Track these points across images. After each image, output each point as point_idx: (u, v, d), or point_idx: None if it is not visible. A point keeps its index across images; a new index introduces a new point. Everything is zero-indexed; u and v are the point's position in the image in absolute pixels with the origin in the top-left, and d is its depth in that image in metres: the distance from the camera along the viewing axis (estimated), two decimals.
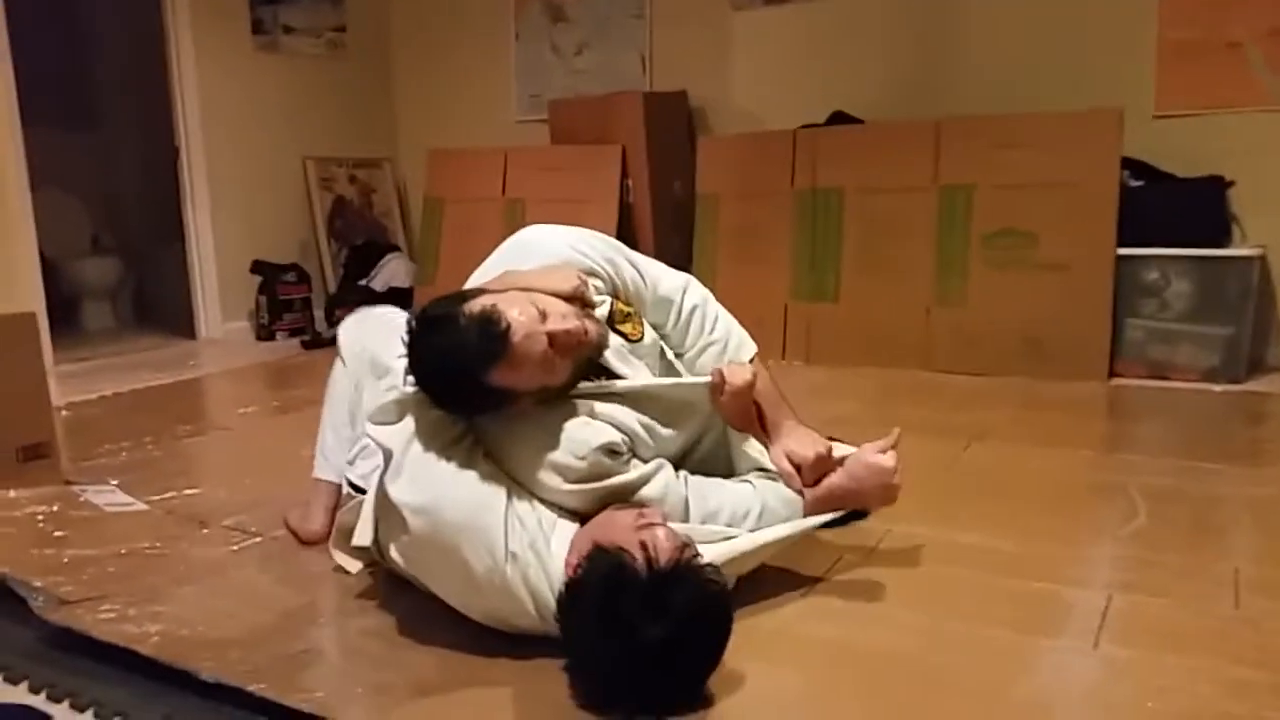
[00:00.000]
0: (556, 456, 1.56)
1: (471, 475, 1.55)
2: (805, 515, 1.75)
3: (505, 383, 1.53)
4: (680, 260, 4.61)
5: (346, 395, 2.06)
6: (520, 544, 1.50)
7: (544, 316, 1.54)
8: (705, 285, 1.91)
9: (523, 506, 1.55)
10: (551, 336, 1.53)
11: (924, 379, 3.82)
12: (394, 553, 1.62)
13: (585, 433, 1.58)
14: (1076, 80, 4.03)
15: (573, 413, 1.61)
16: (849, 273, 4.20)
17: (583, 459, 1.56)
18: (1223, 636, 1.61)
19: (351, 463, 1.95)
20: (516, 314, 1.52)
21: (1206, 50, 3.85)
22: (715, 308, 1.89)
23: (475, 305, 1.53)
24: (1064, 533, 2.13)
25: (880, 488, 1.78)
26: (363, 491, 1.81)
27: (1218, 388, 3.51)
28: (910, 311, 4.03)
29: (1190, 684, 1.46)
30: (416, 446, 1.56)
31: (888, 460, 1.78)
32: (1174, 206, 3.74)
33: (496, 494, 1.54)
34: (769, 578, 1.75)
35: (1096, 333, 3.68)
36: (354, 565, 1.89)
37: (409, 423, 1.59)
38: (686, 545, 1.42)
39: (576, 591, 1.39)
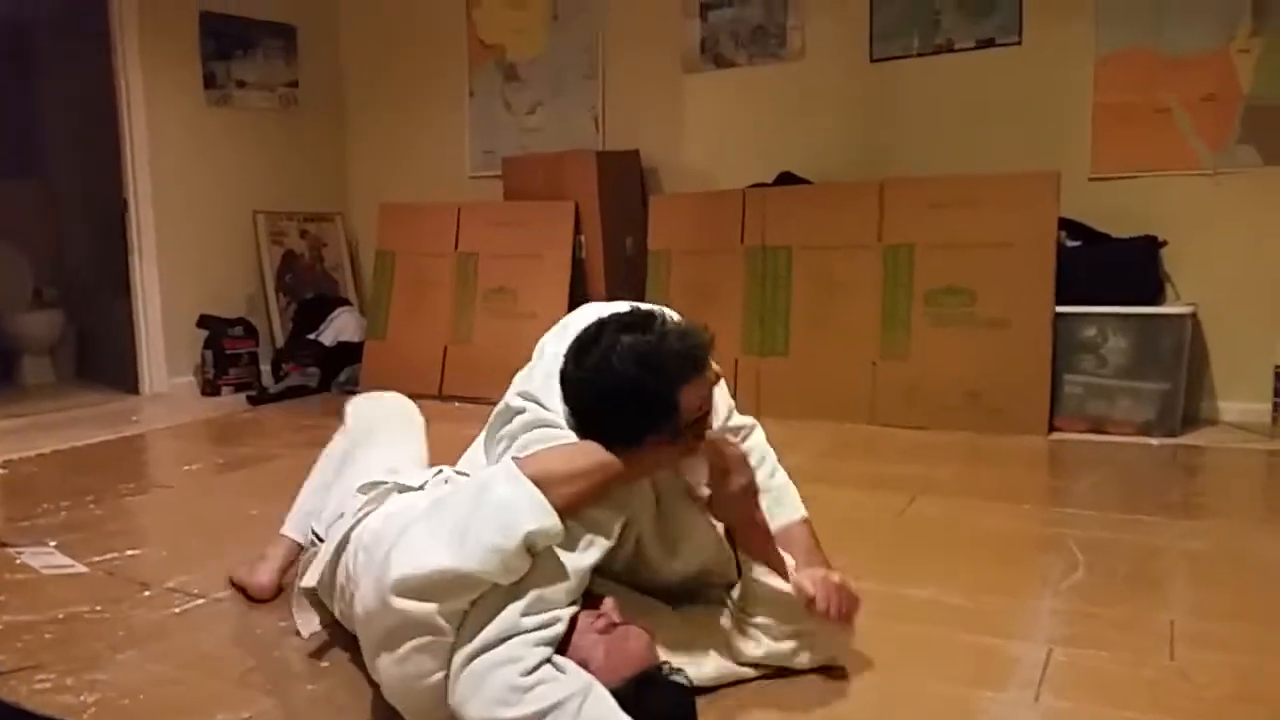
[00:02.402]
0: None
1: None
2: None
3: (685, 401, 1.48)
4: None
5: (337, 462, 2.05)
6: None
7: None
8: None
9: None
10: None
11: (870, 432, 3.89)
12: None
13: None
14: (1016, 143, 4.17)
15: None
16: (798, 328, 4.27)
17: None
18: (1157, 687, 1.65)
19: (315, 531, 1.94)
20: None
21: (1139, 115, 4.02)
22: (774, 457, 1.89)
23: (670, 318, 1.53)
24: (1007, 586, 2.17)
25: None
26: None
27: (1154, 441, 3.61)
28: (857, 366, 4.10)
29: None
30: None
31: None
32: (1109, 266, 3.87)
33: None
34: None
35: (1036, 388, 3.77)
36: (309, 626, 1.85)
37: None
38: (647, 645, 1.44)
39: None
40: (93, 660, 1.84)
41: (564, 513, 1.38)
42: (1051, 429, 3.76)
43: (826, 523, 2.51)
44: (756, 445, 1.85)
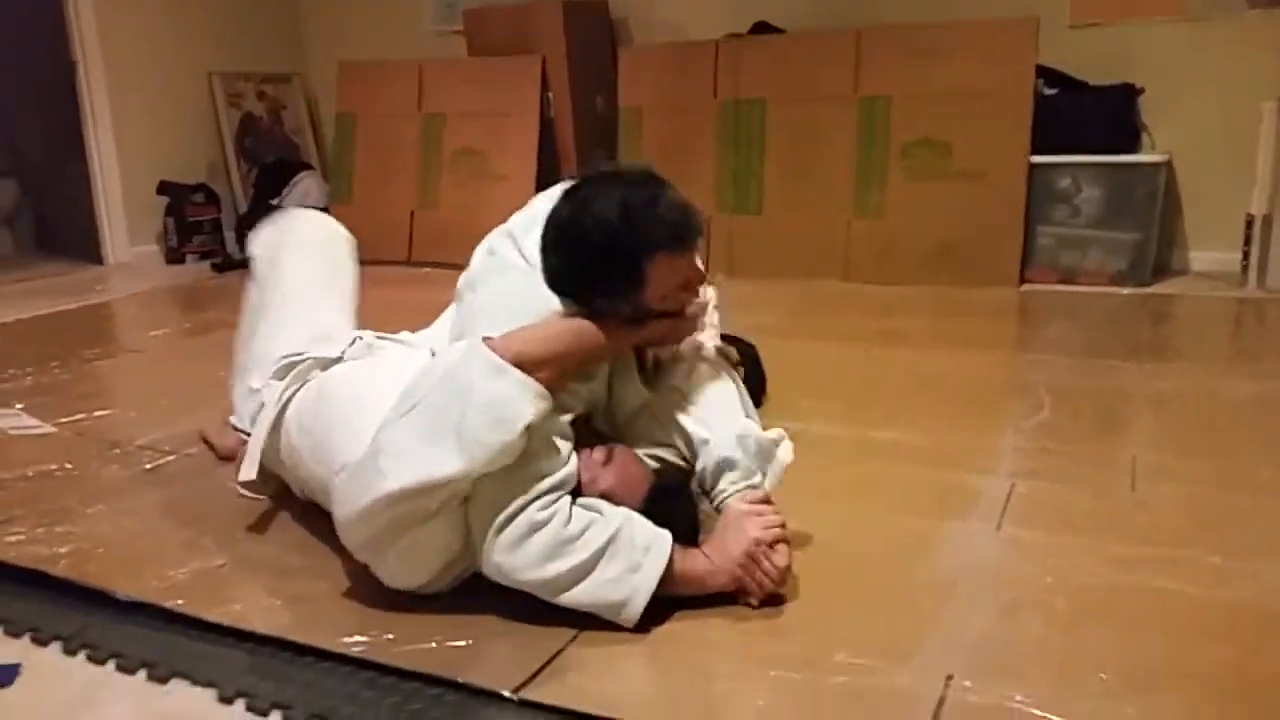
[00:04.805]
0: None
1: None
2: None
3: (655, 274, 1.43)
4: None
5: (250, 316, 2.01)
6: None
7: None
8: None
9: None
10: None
11: (844, 289, 3.88)
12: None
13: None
14: None
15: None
16: (772, 185, 4.20)
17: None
18: (1117, 517, 1.69)
19: (235, 408, 1.88)
20: None
21: None
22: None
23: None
24: (973, 427, 2.20)
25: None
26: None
27: (1125, 291, 3.62)
28: (831, 223, 4.06)
29: (1085, 560, 1.53)
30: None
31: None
32: (1086, 114, 3.80)
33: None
34: None
35: (1009, 240, 3.75)
36: (248, 474, 1.77)
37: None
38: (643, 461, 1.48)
39: None
40: (64, 514, 1.84)
41: (551, 391, 1.36)
42: (1023, 281, 3.76)
43: (796, 374, 2.54)
44: None
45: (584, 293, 1.46)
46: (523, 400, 1.31)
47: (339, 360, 1.73)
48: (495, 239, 1.60)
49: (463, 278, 1.62)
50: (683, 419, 1.54)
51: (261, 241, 2.09)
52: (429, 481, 1.29)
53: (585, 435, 1.51)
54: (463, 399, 1.30)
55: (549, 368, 1.36)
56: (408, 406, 1.35)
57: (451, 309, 1.89)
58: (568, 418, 1.43)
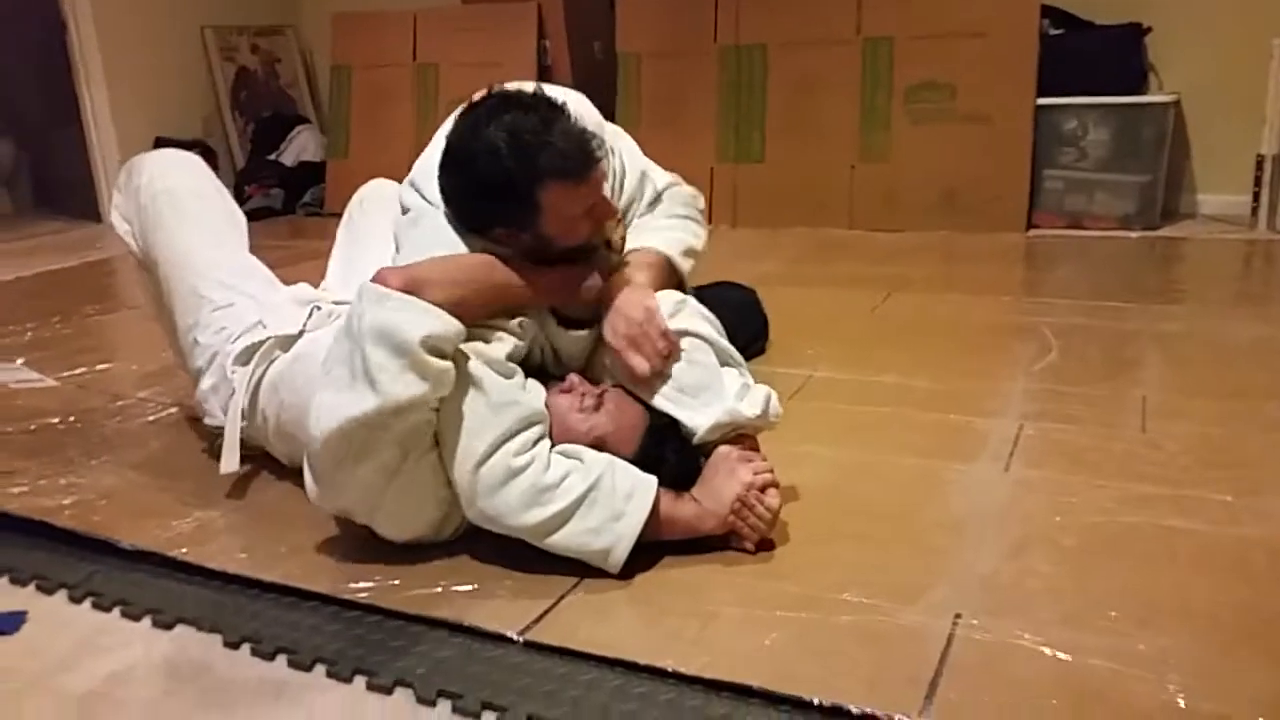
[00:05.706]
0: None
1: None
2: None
3: (550, 203, 1.37)
4: None
5: (155, 297, 1.93)
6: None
7: None
8: None
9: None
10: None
11: (848, 236, 3.84)
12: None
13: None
14: None
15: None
16: (774, 132, 4.14)
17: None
18: (1128, 457, 1.68)
19: (205, 409, 1.79)
20: None
21: None
22: (687, 228, 1.66)
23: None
24: (979, 370, 2.18)
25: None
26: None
27: (1133, 234, 3.58)
28: (835, 170, 4.01)
29: (1095, 500, 1.52)
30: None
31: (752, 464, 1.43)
32: (1092, 54, 3.74)
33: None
34: None
35: (1016, 185, 3.71)
36: (229, 466, 1.67)
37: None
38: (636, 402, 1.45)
39: None
40: (67, 466, 1.83)
41: (448, 311, 1.32)
42: (1030, 226, 3.71)
43: (800, 321, 2.52)
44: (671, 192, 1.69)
45: (481, 219, 1.44)
46: (410, 319, 1.28)
47: (301, 335, 1.69)
48: (403, 192, 1.57)
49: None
50: (666, 407, 1.46)
51: (124, 215, 1.95)
52: (348, 421, 1.28)
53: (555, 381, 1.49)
54: (357, 342, 1.30)
55: (443, 289, 1.33)
56: (329, 366, 1.35)
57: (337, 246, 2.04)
58: (501, 350, 1.40)
